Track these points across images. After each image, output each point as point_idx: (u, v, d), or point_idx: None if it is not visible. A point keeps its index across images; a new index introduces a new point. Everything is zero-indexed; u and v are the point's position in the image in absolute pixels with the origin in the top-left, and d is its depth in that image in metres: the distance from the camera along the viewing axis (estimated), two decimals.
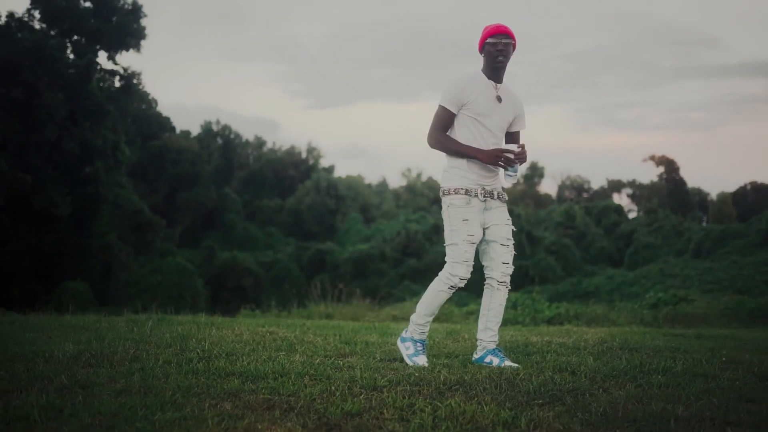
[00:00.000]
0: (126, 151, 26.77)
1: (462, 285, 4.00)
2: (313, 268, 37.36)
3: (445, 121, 4.06)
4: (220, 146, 52.17)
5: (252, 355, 3.77)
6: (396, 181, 68.95)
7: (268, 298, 34.10)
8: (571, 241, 36.69)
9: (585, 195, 55.62)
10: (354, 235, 44.86)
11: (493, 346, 4.04)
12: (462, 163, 4.07)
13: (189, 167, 41.26)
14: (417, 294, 26.33)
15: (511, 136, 4.21)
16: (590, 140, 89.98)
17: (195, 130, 51.49)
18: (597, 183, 56.25)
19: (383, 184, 63.82)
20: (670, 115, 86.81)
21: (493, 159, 3.95)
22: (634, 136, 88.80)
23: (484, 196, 4.05)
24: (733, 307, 9.58)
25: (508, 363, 3.92)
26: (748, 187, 51.95)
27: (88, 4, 29.13)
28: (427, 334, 4.13)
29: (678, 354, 4.36)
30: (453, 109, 4.03)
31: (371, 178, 55.36)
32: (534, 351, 4.50)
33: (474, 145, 4.03)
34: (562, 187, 56.45)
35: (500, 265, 4.06)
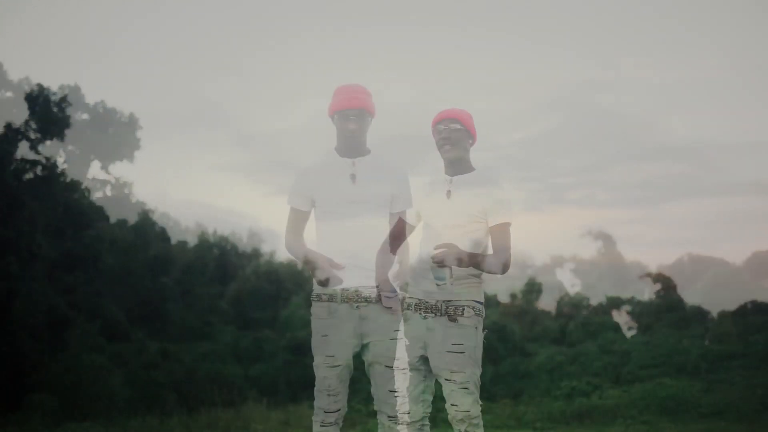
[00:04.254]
0: (41, 245, 25.75)
1: (333, 421, 2.87)
2: (251, 357, 36.01)
3: (294, 222, 3.02)
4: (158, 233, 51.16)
5: None
6: None
7: (201, 392, 32.66)
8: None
9: (584, 312, 55.31)
10: (297, 321, 43.64)
11: None
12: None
13: (122, 258, 40.14)
14: None
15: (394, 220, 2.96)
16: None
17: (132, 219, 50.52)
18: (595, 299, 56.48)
19: None
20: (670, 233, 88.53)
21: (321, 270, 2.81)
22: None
23: (357, 302, 2.86)
24: (645, 397, 9.08)
25: None
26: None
27: (85, 116, 29.23)
28: None
29: None
30: (302, 207, 3.00)
31: None
32: None
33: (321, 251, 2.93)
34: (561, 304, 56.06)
35: (387, 394, 2.89)
